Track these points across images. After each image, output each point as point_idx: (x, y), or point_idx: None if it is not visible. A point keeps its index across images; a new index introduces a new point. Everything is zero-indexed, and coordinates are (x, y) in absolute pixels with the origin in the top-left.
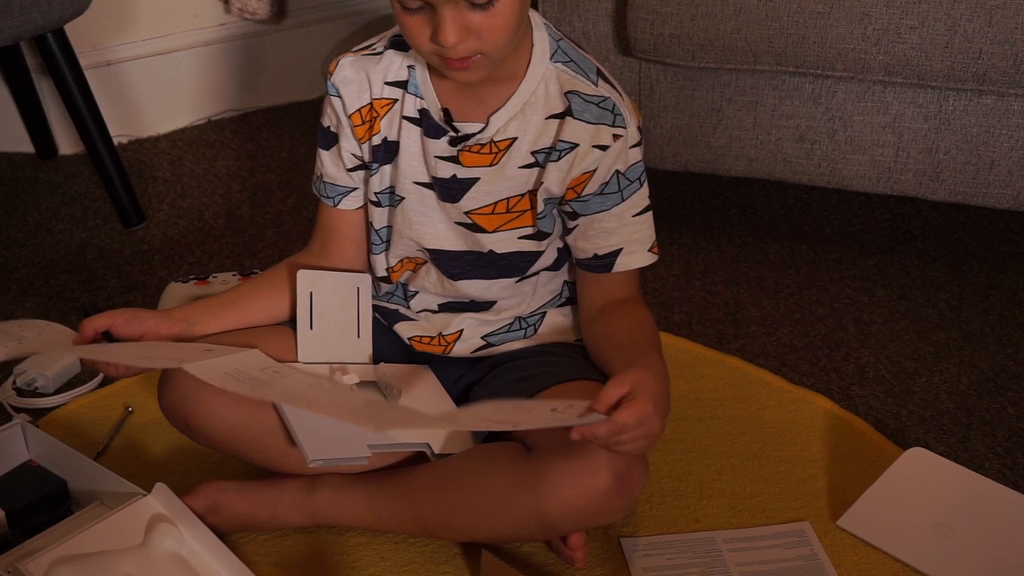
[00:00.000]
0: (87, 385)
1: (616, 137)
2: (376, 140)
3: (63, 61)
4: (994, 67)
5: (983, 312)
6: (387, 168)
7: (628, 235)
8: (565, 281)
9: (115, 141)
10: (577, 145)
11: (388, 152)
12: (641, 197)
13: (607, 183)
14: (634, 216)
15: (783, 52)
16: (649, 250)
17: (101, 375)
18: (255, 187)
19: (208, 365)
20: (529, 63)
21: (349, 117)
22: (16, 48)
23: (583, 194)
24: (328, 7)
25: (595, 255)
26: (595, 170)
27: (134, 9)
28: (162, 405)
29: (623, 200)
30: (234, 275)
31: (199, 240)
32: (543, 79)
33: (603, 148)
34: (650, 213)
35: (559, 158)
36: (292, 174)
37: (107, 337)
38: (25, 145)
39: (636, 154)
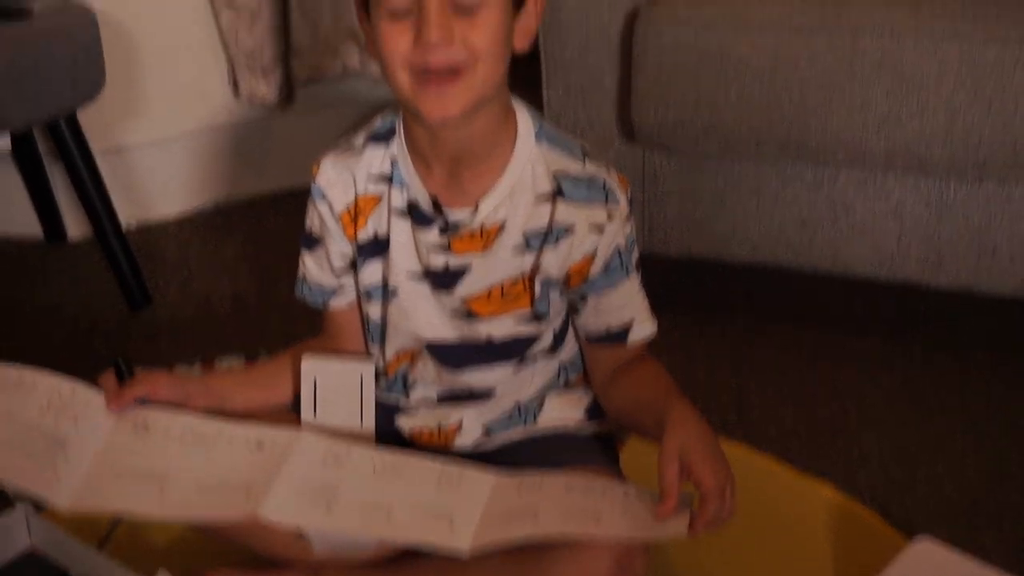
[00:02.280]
0: None
1: (610, 216)
2: (364, 236)
3: (74, 147)
4: (994, 155)
5: (987, 399)
6: (377, 263)
7: (636, 306)
8: (561, 363)
9: (123, 225)
10: (573, 228)
11: (378, 247)
12: (637, 265)
13: (610, 260)
14: (637, 288)
15: (785, 139)
16: (651, 316)
17: None
18: (262, 271)
19: (285, 502)
20: (515, 146)
21: (338, 218)
22: (28, 134)
23: (589, 277)
24: (335, 94)
25: (607, 331)
26: (595, 252)
27: (145, 94)
28: None
29: (628, 274)
30: (239, 359)
31: (205, 324)
32: (529, 160)
33: (599, 228)
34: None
35: (556, 243)
36: (299, 258)
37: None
38: (34, 229)
39: (630, 227)
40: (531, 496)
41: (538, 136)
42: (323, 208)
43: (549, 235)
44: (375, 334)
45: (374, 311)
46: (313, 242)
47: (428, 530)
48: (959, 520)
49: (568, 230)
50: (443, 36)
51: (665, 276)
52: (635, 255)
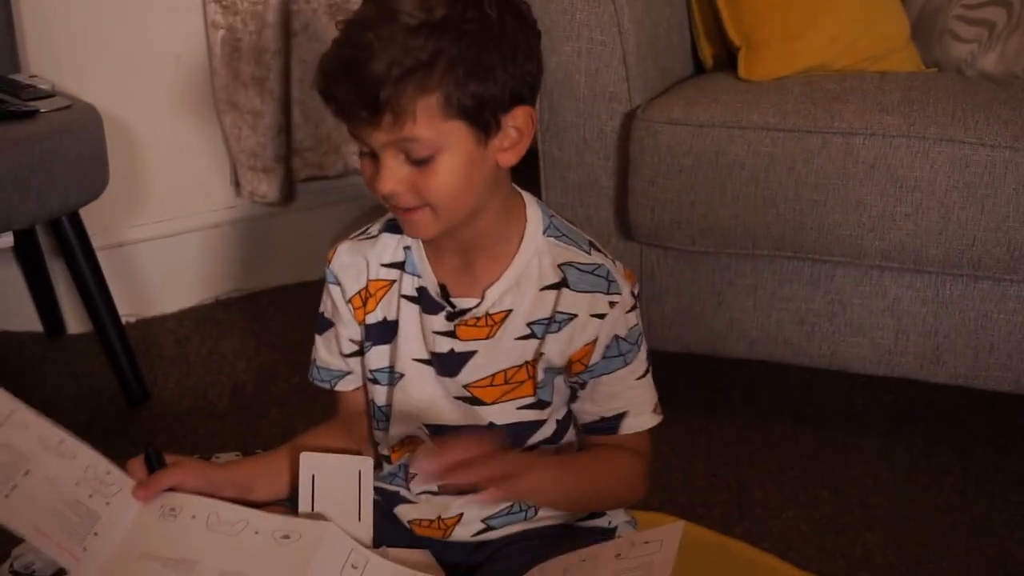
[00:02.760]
0: None
1: (612, 304)
2: (373, 319)
3: (76, 244)
4: (988, 253)
5: (989, 497)
6: (385, 348)
7: (632, 398)
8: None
9: (123, 320)
10: (576, 316)
11: (386, 331)
12: (641, 361)
13: (609, 347)
14: (637, 379)
15: (781, 238)
16: (653, 411)
17: None
18: (260, 366)
19: None
20: (523, 239)
21: (348, 302)
22: (31, 230)
23: (589, 365)
24: (335, 191)
25: (601, 417)
26: (596, 339)
27: (147, 192)
28: None
29: (626, 364)
30: (237, 455)
31: (203, 419)
32: (536, 253)
33: (601, 316)
34: (650, 375)
35: (559, 329)
36: (298, 353)
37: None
38: (34, 324)
39: (633, 318)
40: None
41: (547, 230)
42: (335, 292)
43: (552, 322)
44: (380, 419)
45: (380, 395)
46: (325, 325)
47: None
48: None
49: (571, 318)
50: (393, 190)
51: (664, 372)
52: (640, 350)
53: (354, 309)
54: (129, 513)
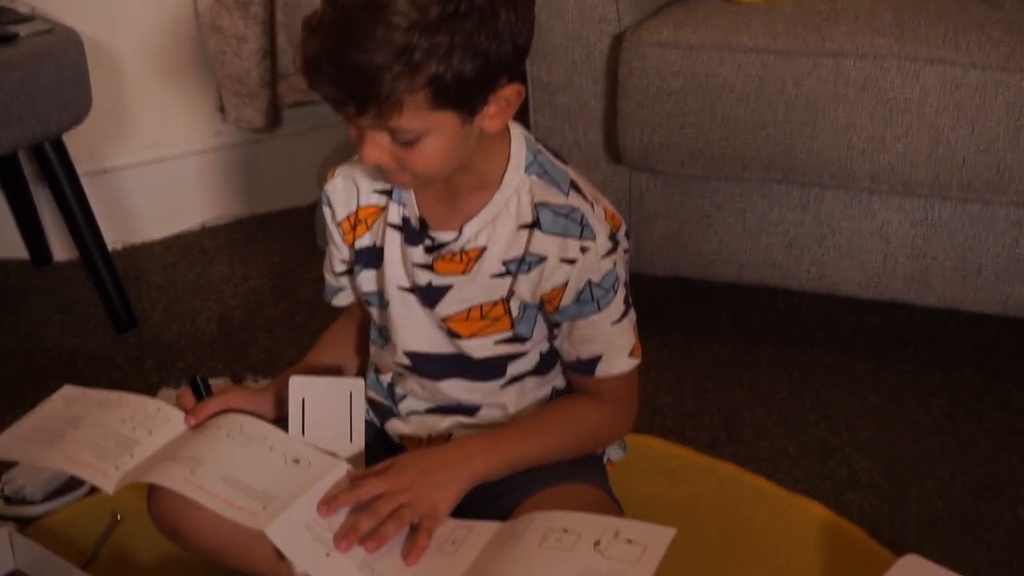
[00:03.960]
0: (75, 492)
1: (584, 249)
2: (361, 244)
3: (60, 170)
4: (977, 175)
5: (976, 418)
6: (373, 273)
7: (607, 343)
8: (555, 388)
9: (109, 247)
10: (545, 259)
11: (373, 257)
12: (617, 305)
13: (581, 292)
14: (612, 324)
15: (770, 161)
16: (630, 355)
17: (89, 484)
18: (248, 293)
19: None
20: (504, 175)
21: (338, 225)
22: (13, 157)
23: (560, 307)
24: (321, 116)
25: (578, 359)
26: (566, 283)
27: (131, 118)
28: (151, 513)
29: (599, 309)
30: (225, 381)
31: (191, 345)
32: (516, 190)
33: (571, 261)
34: (629, 319)
35: (528, 270)
36: (285, 280)
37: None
38: (19, 252)
39: (608, 263)
40: (504, 553)
41: (529, 167)
42: (327, 213)
43: (522, 262)
44: (376, 338)
45: (376, 316)
46: (324, 244)
47: None
48: (948, 538)
49: (540, 260)
50: (376, 161)
51: (653, 296)
52: (616, 295)
53: (343, 232)
54: (171, 436)
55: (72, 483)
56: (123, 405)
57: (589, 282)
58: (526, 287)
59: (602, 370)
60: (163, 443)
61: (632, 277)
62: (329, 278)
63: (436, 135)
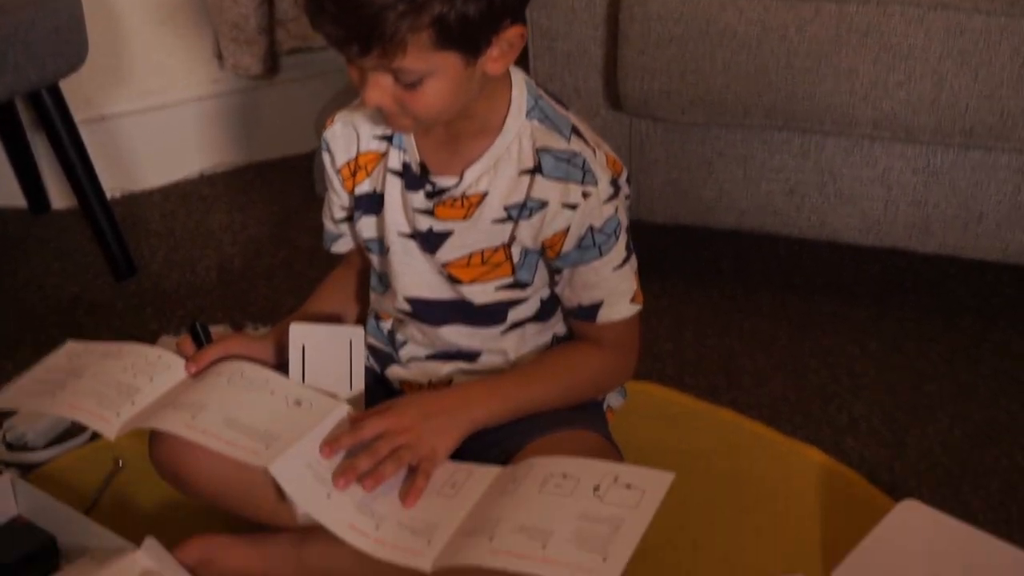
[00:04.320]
0: (77, 439)
1: (585, 195)
2: (361, 191)
3: (57, 117)
4: (980, 122)
5: (975, 364)
6: (373, 219)
7: (609, 288)
8: (555, 335)
9: (108, 195)
10: (547, 204)
11: (373, 203)
12: (619, 251)
13: (583, 238)
14: (614, 270)
15: (772, 107)
16: (631, 301)
17: (91, 429)
18: (247, 241)
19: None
20: (506, 120)
21: (338, 171)
22: (10, 104)
23: (561, 252)
24: (320, 63)
25: (579, 305)
26: (568, 229)
27: (128, 65)
28: (152, 458)
29: (601, 255)
30: (225, 328)
31: (191, 293)
32: (518, 135)
33: (572, 207)
34: (630, 264)
35: (530, 215)
36: (284, 228)
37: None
38: (17, 200)
39: (609, 209)
40: (504, 498)
41: (530, 112)
42: (326, 159)
43: (524, 208)
44: (376, 285)
45: (376, 263)
46: (323, 190)
47: (402, 549)
48: (947, 484)
49: (542, 205)
50: (378, 103)
51: (653, 243)
52: (618, 240)
53: (343, 179)
54: (172, 383)
55: (74, 430)
56: (125, 354)
57: (591, 228)
58: (527, 233)
59: (603, 316)
60: (164, 390)
61: (632, 224)
62: (328, 225)
63: (439, 77)
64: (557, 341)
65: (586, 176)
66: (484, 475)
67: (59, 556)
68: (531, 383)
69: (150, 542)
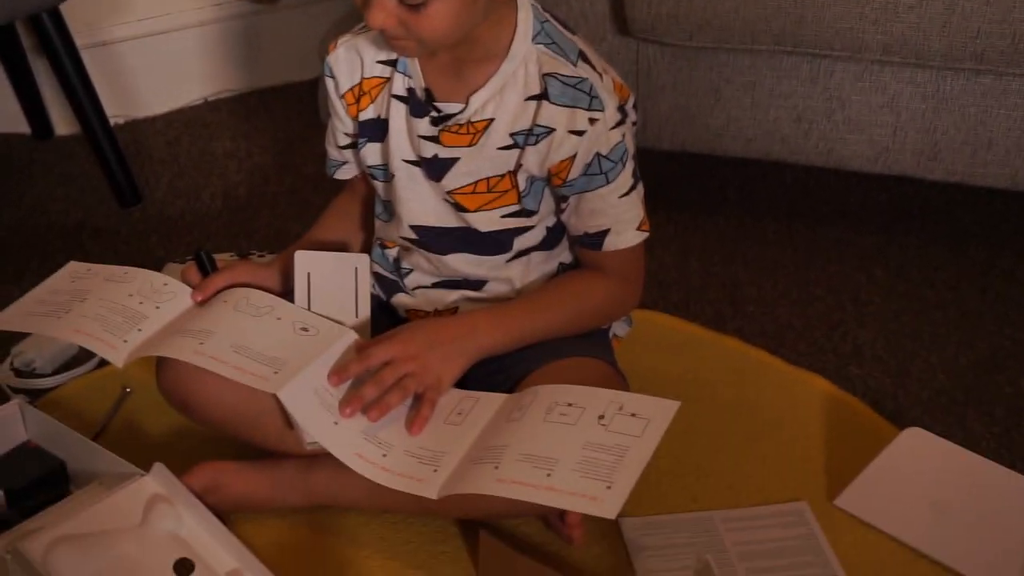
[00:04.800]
0: (85, 366)
1: (592, 121)
2: (365, 117)
3: (59, 41)
4: (992, 46)
5: (981, 292)
6: (377, 145)
7: (616, 216)
8: (561, 263)
9: (111, 121)
10: (553, 130)
11: (378, 129)
12: (626, 178)
13: (589, 164)
14: (620, 197)
15: (781, 32)
16: (638, 228)
17: (99, 356)
18: (251, 168)
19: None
20: (511, 44)
21: (342, 97)
22: (11, 28)
23: (568, 179)
24: None
25: (585, 233)
26: (574, 156)
27: None
28: (160, 385)
29: (608, 182)
30: (231, 256)
31: (196, 220)
32: (524, 60)
33: (579, 133)
34: (637, 192)
35: (536, 142)
36: (288, 155)
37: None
38: (21, 125)
39: (616, 135)
40: (510, 426)
41: (536, 36)
42: (330, 85)
43: (531, 135)
44: (381, 212)
45: (380, 190)
46: (326, 116)
47: (408, 477)
48: (951, 411)
49: (548, 132)
50: (381, 25)
51: (659, 171)
52: (624, 167)
53: (347, 105)
54: (178, 311)
55: (81, 356)
56: (130, 279)
57: (597, 154)
58: (534, 159)
59: (610, 243)
60: (170, 318)
61: (638, 151)
62: (331, 151)
63: (444, 1)
64: (563, 269)
65: (593, 102)
66: (490, 402)
67: (68, 481)
68: (537, 311)
69: (158, 468)
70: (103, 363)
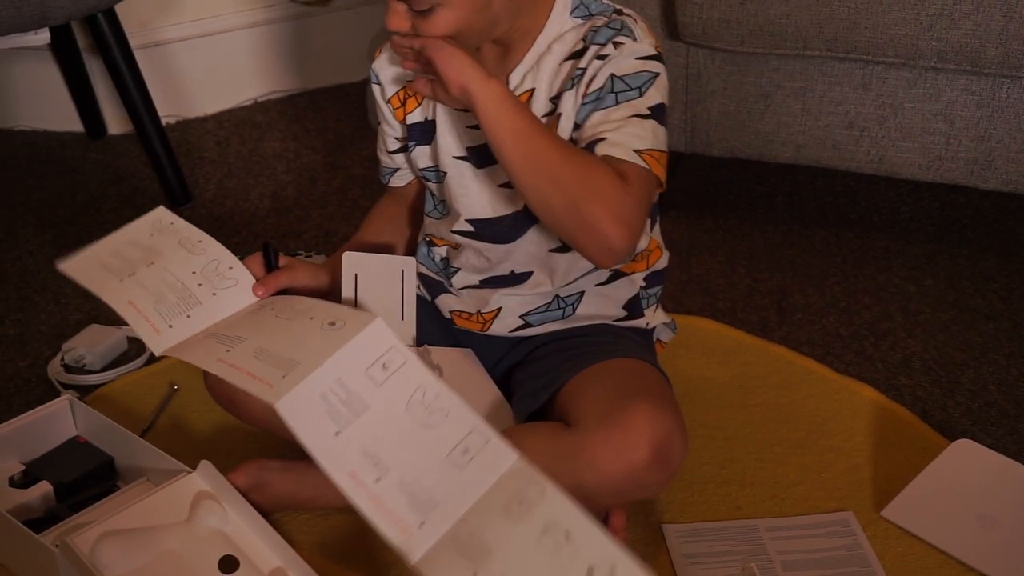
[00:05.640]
0: (134, 363)
1: (617, 44)
2: (412, 120)
3: (113, 41)
4: None
5: None
6: (427, 148)
7: (615, 127)
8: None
9: (163, 121)
10: (586, 67)
11: (426, 132)
12: (639, 106)
13: (603, 87)
14: (627, 117)
15: (834, 38)
16: (636, 151)
17: (148, 353)
18: (300, 168)
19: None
20: (548, 21)
21: (388, 101)
22: (67, 28)
23: (585, 100)
24: None
25: (583, 146)
26: (595, 77)
27: None
28: (208, 384)
29: (617, 103)
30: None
31: (245, 220)
32: (560, 32)
33: (603, 57)
34: (651, 125)
35: (572, 87)
36: (337, 156)
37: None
38: (75, 124)
39: (641, 65)
40: (503, 523)
41: (575, 10)
42: (376, 91)
43: (570, 80)
44: (431, 210)
45: (434, 189)
46: (376, 123)
47: (391, 525)
48: (1001, 423)
49: (583, 72)
50: (397, 28)
51: (707, 177)
52: (641, 96)
53: (393, 108)
54: (235, 307)
55: (131, 353)
56: (200, 251)
57: (612, 76)
58: (569, 102)
59: (601, 148)
60: (222, 312)
61: (687, 157)
62: (384, 159)
63: (450, 6)
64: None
65: (623, 32)
66: (501, 453)
67: (116, 476)
68: (547, 131)
69: (205, 465)
70: (151, 361)
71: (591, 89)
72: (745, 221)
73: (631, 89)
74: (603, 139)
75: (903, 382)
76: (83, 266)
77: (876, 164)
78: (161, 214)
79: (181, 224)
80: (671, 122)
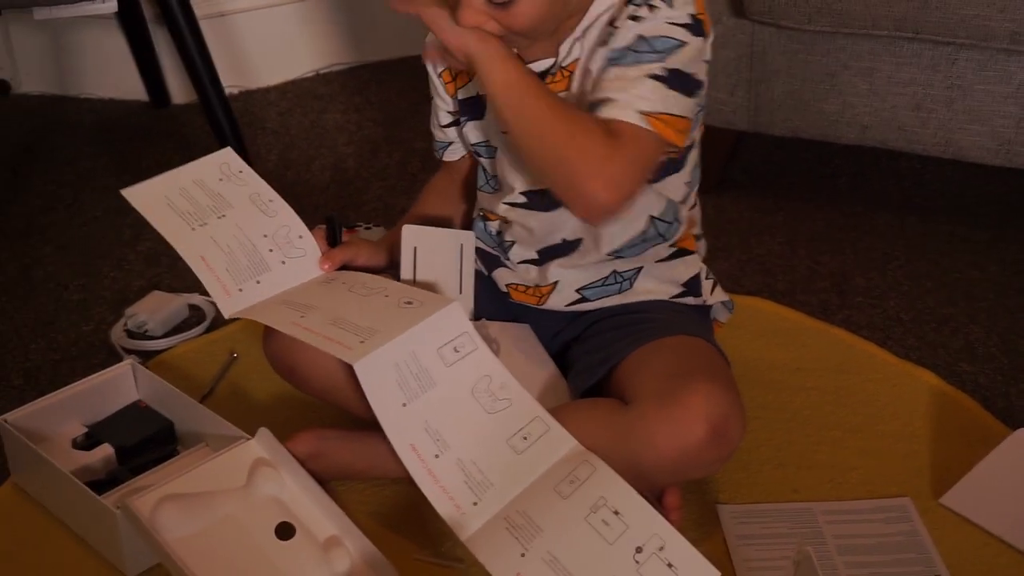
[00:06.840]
0: (194, 330)
1: (652, 7)
2: (464, 95)
3: (179, 12)
4: None
5: None
6: (478, 123)
7: (622, 88)
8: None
9: (226, 91)
10: (620, 28)
11: (476, 107)
12: (656, 67)
13: (627, 46)
14: (640, 76)
15: (903, 17)
16: (642, 112)
17: (208, 320)
18: (362, 141)
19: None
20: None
21: (439, 75)
22: None
23: (609, 56)
24: None
25: (590, 105)
26: (624, 35)
27: None
28: (267, 352)
29: (636, 63)
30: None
31: (306, 191)
32: (609, 7)
33: (635, 18)
34: (666, 87)
35: (604, 44)
36: (398, 129)
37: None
38: (140, 93)
39: (668, 30)
40: (554, 501)
41: None
42: (429, 66)
43: (601, 42)
44: (483, 185)
45: (487, 166)
46: (431, 97)
47: (445, 501)
48: None
49: (616, 31)
50: (473, 26)
51: (770, 157)
52: (663, 60)
53: (445, 83)
54: (301, 278)
55: (191, 320)
56: (271, 213)
57: (639, 36)
58: (599, 58)
59: (604, 112)
60: (289, 281)
61: (750, 136)
62: (437, 133)
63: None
64: (654, 223)
65: None
66: (559, 440)
67: (176, 441)
68: (541, 88)
69: (263, 432)
70: (212, 327)
71: (617, 46)
72: (807, 202)
73: (652, 52)
74: (609, 99)
75: (965, 369)
76: (149, 199)
77: (943, 147)
78: (229, 157)
79: (249, 175)
80: (734, 100)
